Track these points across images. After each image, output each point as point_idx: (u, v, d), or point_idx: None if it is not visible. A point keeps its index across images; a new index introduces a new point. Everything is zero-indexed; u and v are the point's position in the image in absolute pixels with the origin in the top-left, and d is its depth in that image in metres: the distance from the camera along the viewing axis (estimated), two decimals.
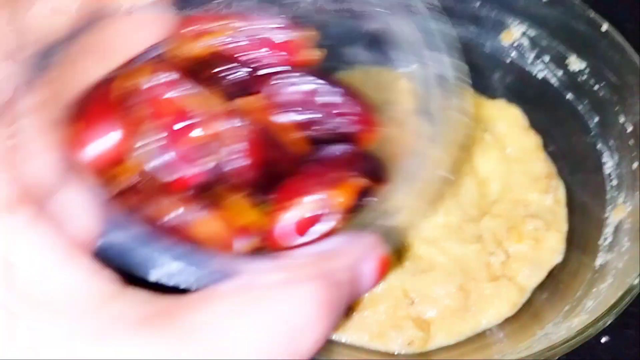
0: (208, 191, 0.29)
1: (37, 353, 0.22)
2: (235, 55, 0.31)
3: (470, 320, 0.59)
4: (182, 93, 0.28)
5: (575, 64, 0.64)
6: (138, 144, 0.28)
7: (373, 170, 0.31)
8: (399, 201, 0.28)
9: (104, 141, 0.28)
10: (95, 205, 0.26)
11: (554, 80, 0.66)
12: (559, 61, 0.65)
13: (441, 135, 0.30)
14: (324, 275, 0.26)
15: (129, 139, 0.28)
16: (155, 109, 0.28)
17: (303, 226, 0.28)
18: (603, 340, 0.59)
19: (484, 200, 0.64)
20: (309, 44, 0.31)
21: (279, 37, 0.31)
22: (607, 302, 0.52)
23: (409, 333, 0.57)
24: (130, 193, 0.28)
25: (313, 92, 0.31)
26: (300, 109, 0.31)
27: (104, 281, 0.24)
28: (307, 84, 0.31)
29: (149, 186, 0.28)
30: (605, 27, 0.61)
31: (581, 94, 0.65)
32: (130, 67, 0.30)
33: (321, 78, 0.31)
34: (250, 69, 0.31)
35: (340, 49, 0.37)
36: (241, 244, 0.28)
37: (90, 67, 0.29)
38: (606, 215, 0.61)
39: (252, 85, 0.31)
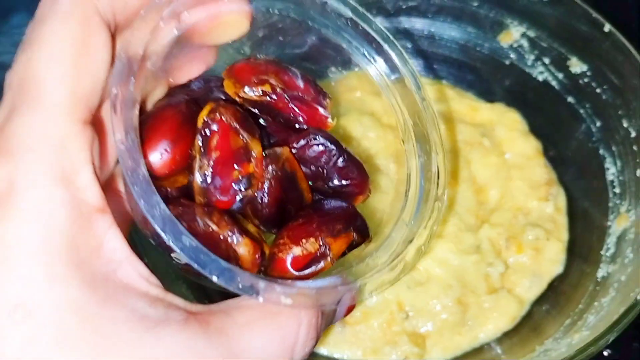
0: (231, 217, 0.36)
1: (104, 334, 0.29)
2: (279, 108, 0.38)
3: (468, 334, 0.57)
4: (235, 134, 0.35)
5: (577, 66, 0.62)
6: (194, 166, 0.35)
7: (361, 228, 0.38)
8: (375, 264, 0.36)
9: (168, 153, 0.35)
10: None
11: (554, 83, 0.64)
12: (560, 63, 0.63)
13: (420, 212, 0.38)
14: (318, 306, 0.34)
15: (186, 158, 0.35)
16: (213, 141, 0.35)
17: (300, 263, 0.35)
18: (606, 353, 0.57)
19: (482, 208, 0.62)
20: (331, 113, 0.39)
21: (310, 101, 0.39)
22: (609, 317, 0.50)
23: (404, 348, 0.55)
24: (176, 203, 0.35)
25: (326, 153, 0.38)
26: (314, 164, 0.39)
27: (153, 285, 0.32)
28: (324, 146, 0.38)
29: (190, 201, 0.35)
30: (607, 27, 0.59)
31: (583, 97, 0.62)
32: (190, 93, 0.38)
33: (334, 143, 0.39)
34: (287, 121, 0.39)
35: (330, 53, 0.42)
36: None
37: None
38: (609, 224, 0.59)
39: (285, 135, 0.39)
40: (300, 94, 0.38)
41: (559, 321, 0.55)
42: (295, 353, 0.33)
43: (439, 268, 0.58)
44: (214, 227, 0.34)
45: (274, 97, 0.38)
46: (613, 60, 0.59)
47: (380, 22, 0.44)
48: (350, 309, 0.38)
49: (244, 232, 0.34)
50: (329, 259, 0.36)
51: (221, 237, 0.34)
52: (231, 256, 0.34)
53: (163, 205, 0.31)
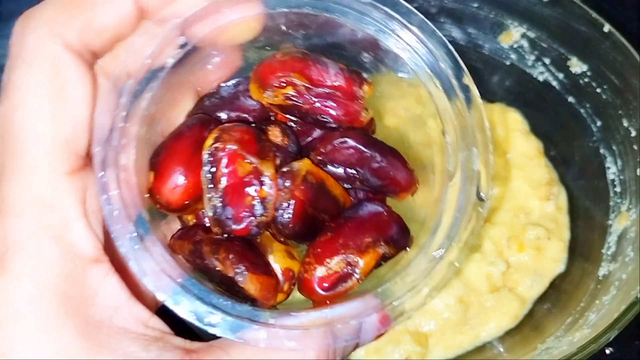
0: (251, 241, 0.35)
1: None
2: (306, 110, 0.36)
3: (470, 333, 0.57)
4: (243, 160, 0.34)
5: (577, 66, 0.62)
6: (205, 197, 0.34)
7: (396, 238, 0.36)
8: (404, 284, 0.34)
9: (180, 186, 0.34)
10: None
11: (555, 83, 0.64)
12: (560, 63, 0.64)
13: (455, 223, 0.34)
14: (325, 346, 0.32)
15: (197, 189, 0.34)
16: (219, 172, 0.34)
17: (326, 283, 0.34)
18: (608, 351, 0.58)
19: None
20: (364, 107, 0.36)
21: (341, 96, 0.36)
22: (610, 315, 0.50)
23: (407, 347, 0.56)
24: (186, 237, 0.35)
25: (357, 155, 0.36)
26: (347, 166, 0.36)
27: (152, 327, 0.32)
28: (354, 148, 0.36)
29: (203, 234, 0.35)
30: (607, 27, 0.59)
31: (583, 97, 0.63)
32: (217, 102, 0.38)
33: (365, 144, 0.36)
34: (316, 122, 0.37)
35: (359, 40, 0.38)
36: (284, 285, 0.35)
37: (182, 102, 0.38)
38: (609, 222, 0.59)
39: (317, 134, 0.38)
40: (329, 90, 0.36)
41: (561, 319, 0.55)
42: None
43: None
44: (220, 266, 0.33)
45: (299, 100, 0.36)
46: (613, 60, 0.60)
47: None
48: (384, 326, 0.34)
49: (251, 267, 0.33)
50: (355, 277, 0.34)
51: (229, 276, 0.33)
52: (243, 294, 0.33)
53: (155, 269, 0.32)
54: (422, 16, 0.36)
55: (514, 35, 0.65)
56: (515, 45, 0.66)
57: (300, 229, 0.35)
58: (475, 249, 0.58)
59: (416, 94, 0.38)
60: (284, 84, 0.36)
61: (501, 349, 0.56)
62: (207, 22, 0.35)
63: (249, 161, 0.34)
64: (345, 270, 0.34)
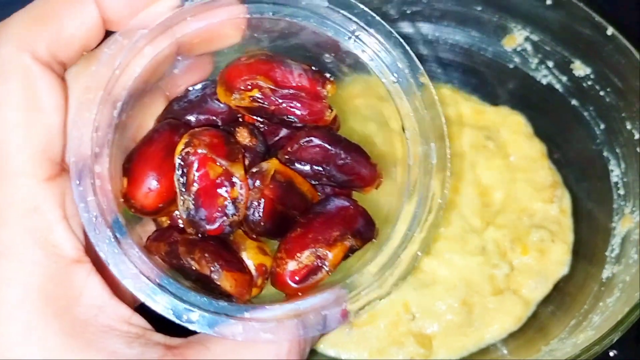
0: (225, 239, 0.37)
1: None
2: (272, 111, 0.37)
3: (474, 335, 0.57)
4: (213, 162, 0.36)
5: (580, 69, 0.63)
6: (178, 200, 0.36)
7: (362, 231, 0.37)
8: (369, 275, 0.36)
9: (153, 190, 0.36)
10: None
11: (558, 86, 0.65)
12: (564, 66, 0.64)
13: (416, 214, 0.36)
14: (297, 336, 0.34)
15: (170, 193, 0.36)
16: (190, 175, 0.35)
17: (298, 276, 0.36)
18: (611, 354, 0.58)
19: (487, 210, 0.62)
20: (328, 106, 0.38)
21: (305, 96, 0.38)
22: (614, 317, 0.50)
23: (410, 349, 0.56)
24: (162, 239, 0.36)
25: (323, 153, 0.38)
26: (313, 164, 0.38)
27: (134, 324, 0.34)
28: (319, 147, 0.38)
29: (178, 235, 0.36)
30: (610, 30, 0.59)
31: (586, 100, 0.63)
32: (185, 106, 0.40)
33: (330, 142, 0.38)
34: (282, 122, 0.38)
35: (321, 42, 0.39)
36: (258, 280, 0.37)
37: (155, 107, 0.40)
38: (613, 225, 0.59)
39: (283, 134, 0.39)
40: (293, 91, 0.37)
41: (564, 322, 0.55)
42: None
43: (445, 269, 0.58)
44: (196, 265, 0.34)
45: (265, 102, 0.37)
46: (616, 63, 0.60)
47: None
48: (347, 314, 0.36)
49: (226, 264, 0.35)
50: (325, 270, 0.36)
51: (205, 274, 0.35)
52: (219, 291, 0.35)
53: (134, 271, 0.33)
54: (379, 18, 0.38)
55: (517, 38, 0.66)
56: (518, 49, 0.66)
57: (270, 226, 0.37)
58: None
59: (377, 92, 0.40)
60: (250, 87, 0.37)
61: (505, 351, 0.57)
62: (193, 24, 0.36)
63: (219, 164, 0.36)
64: (315, 263, 0.36)
